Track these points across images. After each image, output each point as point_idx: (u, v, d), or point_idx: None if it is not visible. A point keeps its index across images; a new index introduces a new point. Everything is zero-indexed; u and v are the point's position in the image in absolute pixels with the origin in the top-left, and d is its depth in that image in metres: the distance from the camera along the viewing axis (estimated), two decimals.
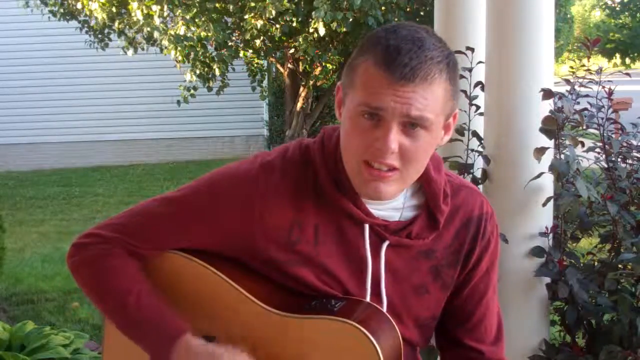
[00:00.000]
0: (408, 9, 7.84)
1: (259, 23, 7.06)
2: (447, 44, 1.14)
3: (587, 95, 2.17)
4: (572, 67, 2.24)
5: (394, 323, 1.22)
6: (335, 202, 1.21)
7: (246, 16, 7.33)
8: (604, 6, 43.95)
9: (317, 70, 8.49)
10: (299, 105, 8.98)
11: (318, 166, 1.22)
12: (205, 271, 1.26)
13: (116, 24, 8.09)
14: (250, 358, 1.18)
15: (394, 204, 1.24)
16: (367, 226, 1.23)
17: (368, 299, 1.24)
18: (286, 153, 1.26)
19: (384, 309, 1.25)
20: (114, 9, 7.80)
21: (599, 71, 2.13)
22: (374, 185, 1.14)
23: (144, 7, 7.19)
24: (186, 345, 1.19)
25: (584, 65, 2.18)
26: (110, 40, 9.00)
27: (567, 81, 2.18)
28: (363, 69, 1.11)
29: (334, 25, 6.73)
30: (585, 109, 2.13)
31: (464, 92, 2.30)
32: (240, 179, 1.23)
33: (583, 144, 2.14)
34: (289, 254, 1.22)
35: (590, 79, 2.16)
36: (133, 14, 7.32)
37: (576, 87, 2.15)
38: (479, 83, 2.29)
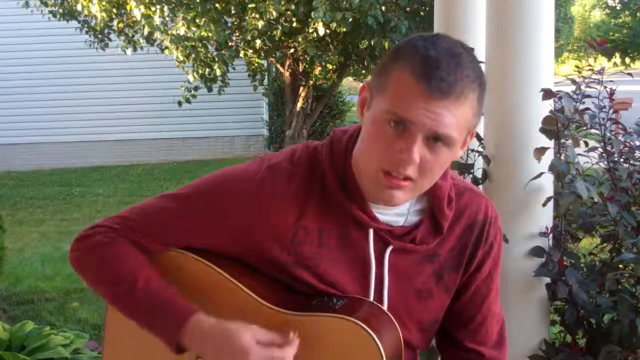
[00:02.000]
0: (408, 9, 7.84)
1: (260, 23, 7.06)
2: (478, 60, 1.14)
3: (589, 96, 2.16)
4: (577, 67, 2.22)
5: (395, 322, 1.23)
6: (341, 206, 1.21)
7: (247, 17, 7.33)
8: (604, 6, 43.96)
9: (317, 70, 8.50)
10: (299, 105, 8.99)
11: (326, 169, 1.22)
12: (207, 269, 1.26)
13: (115, 24, 8.09)
14: (262, 329, 1.17)
15: (399, 210, 1.23)
16: (371, 231, 1.23)
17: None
18: (293, 155, 1.25)
19: None
20: (113, 9, 7.80)
21: (601, 71, 2.13)
22: (389, 192, 1.14)
23: (142, 6, 7.19)
24: (198, 325, 1.18)
25: (590, 65, 2.16)
26: (110, 40, 9.00)
27: (573, 81, 2.17)
28: (397, 75, 1.09)
29: (333, 25, 6.73)
30: (587, 109, 2.13)
31: None
32: (248, 181, 1.23)
33: (587, 144, 2.13)
34: (291, 255, 1.22)
35: (593, 79, 2.15)
36: (131, 14, 7.33)
37: (582, 87, 2.14)
38: None
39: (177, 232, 1.27)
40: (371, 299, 1.24)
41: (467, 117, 1.10)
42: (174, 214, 1.26)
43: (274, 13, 6.85)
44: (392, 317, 1.23)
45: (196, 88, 7.88)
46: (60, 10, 8.78)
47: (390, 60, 1.13)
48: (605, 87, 2.13)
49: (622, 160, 2.22)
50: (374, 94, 1.14)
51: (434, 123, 1.07)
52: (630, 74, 2.19)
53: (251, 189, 1.22)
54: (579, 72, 2.17)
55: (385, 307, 1.24)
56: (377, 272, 1.23)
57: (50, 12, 8.90)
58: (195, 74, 7.68)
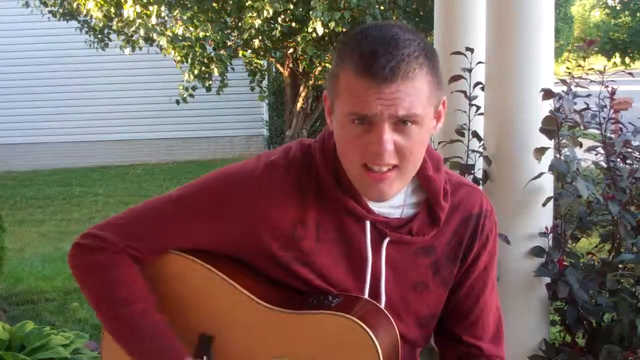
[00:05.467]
0: (407, 9, 7.83)
1: (257, 22, 7.06)
2: (418, 34, 1.14)
3: (588, 95, 2.17)
4: (568, 68, 2.24)
5: (391, 319, 1.23)
6: (336, 200, 1.22)
7: (244, 16, 7.32)
8: (604, 6, 43.93)
9: (317, 70, 8.49)
10: (299, 105, 8.98)
11: (319, 164, 1.23)
12: (204, 269, 1.27)
13: (114, 23, 8.08)
14: None
15: (394, 202, 1.24)
16: (368, 223, 1.23)
17: (366, 295, 1.25)
18: (288, 152, 1.27)
19: (382, 306, 1.25)
20: (112, 9, 7.79)
21: (602, 71, 2.13)
22: (376, 188, 1.15)
23: (137, 6, 7.18)
24: None
25: (580, 66, 2.18)
26: (110, 40, 9.00)
27: (564, 81, 2.18)
28: (344, 78, 1.11)
29: (332, 24, 6.72)
30: (586, 108, 2.13)
31: (464, 92, 2.30)
32: (244, 178, 1.24)
33: (581, 145, 2.14)
34: (291, 251, 1.23)
35: (587, 79, 2.16)
36: (126, 14, 7.32)
37: (572, 87, 2.15)
38: (478, 83, 2.29)
39: (177, 236, 1.27)
40: (367, 291, 1.24)
41: (424, 92, 1.10)
42: (174, 218, 1.26)
43: (271, 12, 6.84)
44: (388, 314, 1.23)
45: (194, 87, 7.88)
46: (60, 10, 8.77)
47: (335, 65, 1.15)
48: (606, 87, 2.13)
49: (619, 159, 2.23)
50: (332, 101, 1.16)
51: (392, 108, 1.08)
52: (631, 74, 2.19)
53: (250, 187, 1.23)
54: (570, 73, 2.19)
55: (382, 298, 1.25)
56: (374, 264, 1.24)
57: (50, 12, 8.89)
58: (191, 73, 7.68)
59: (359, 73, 1.08)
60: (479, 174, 2.27)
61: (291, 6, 7.10)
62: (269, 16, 6.95)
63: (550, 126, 2.03)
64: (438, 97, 1.16)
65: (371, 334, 1.15)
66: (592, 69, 2.17)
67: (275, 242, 1.23)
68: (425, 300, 1.29)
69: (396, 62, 1.07)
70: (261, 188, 1.22)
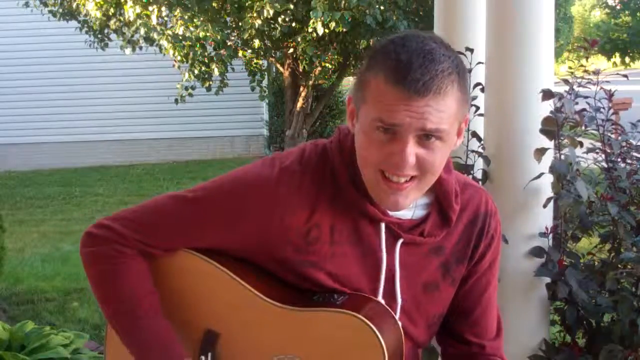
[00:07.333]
0: (407, 9, 7.83)
1: (257, 23, 7.06)
2: (453, 49, 1.14)
3: (587, 97, 2.16)
4: (570, 67, 2.24)
5: (395, 317, 1.24)
6: (352, 201, 1.22)
7: (244, 16, 7.33)
8: (604, 6, 43.92)
9: (317, 70, 8.49)
10: (299, 105, 8.98)
11: (336, 166, 1.23)
12: (210, 267, 1.27)
13: (112, 23, 8.08)
14: None
15: None
16: (383, 225, 1.24)
17: (380, 296, 1.25)
18: (303, 155, 1.26)
19: (398, 307, 1.26)
20: (111, 9, 7.80)
21: (597, 72, 2.13)
22: (393, 198, 1.15)
23: (137, 6, 7.19)
24: None
25: (582, 66, 2.17)
26: (110, 40, 9.00)
27: (566, 81, 2.18)
28: (374, 84, 1.11)
29: (332, 25, 6.72)
30: (585, 109, 2.13)
31: None
32: (260, 186, 1.23)
33: (582, 144, 2.14)
34: (304, 255, 1.23)
35: (588, 79, 2.15)
36: (127, 14, 7.32)
37: (575, 87, 2.15)
38: (478, 84, 2.29)
39: (189, 238, 1.27)
40: (381, 292, 1.25)
41: (453, 109, 1.11)
42: (188, 221, 1.26)
43: (271, 12, 6.84)
44: (392, 312, 1.24)
45: (193, 87, 7.88)
46: (60, 10, 8.78)
47: (365, 70, 1.14)
48: (602, 88, 2.13)
49: (619, 160, 2.23)
50: (358, 106, 1.16)
51: (421, 121, 1.08)
52: (625, 76, 2.19)
53: (267, 194, 1.22)
54: (572, 73, 2.18)
55: (398, 300, 1.25)
56: (388, 266, 1.25)
57: (50, 11, 8.89)
58: (191, 73, 7.69)
59: (391, 82, 1.08)
60: (478, 174, 2.27)
61: (291, 6, 7.10)
62: (269, 16, 6.95)
63: (550, 127, 2.03)
64: (463, 113, 1.16)
65: (377, 331, 1.15)
66: (587, 71, 2.17)
67: (289, 247, 1.23)
68: (435, 301, 1.30)
69: (430, 76, 1.06)
70: (279, 196, 1.22)
